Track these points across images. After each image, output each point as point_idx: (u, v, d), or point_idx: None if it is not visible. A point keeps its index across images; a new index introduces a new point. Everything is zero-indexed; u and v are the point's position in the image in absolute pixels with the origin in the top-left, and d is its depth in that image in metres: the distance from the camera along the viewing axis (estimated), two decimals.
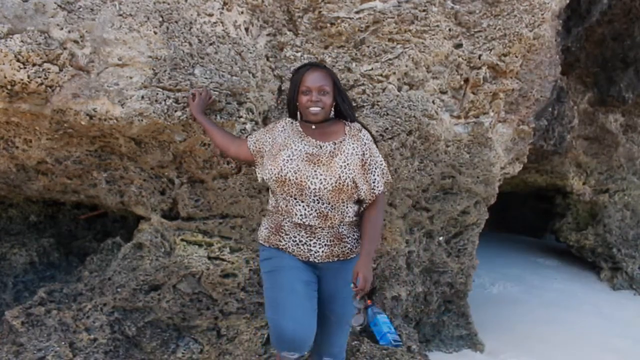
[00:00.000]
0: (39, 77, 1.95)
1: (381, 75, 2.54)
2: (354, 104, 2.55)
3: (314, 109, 1.89)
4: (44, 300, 2.57)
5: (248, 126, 2.34)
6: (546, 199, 6.25)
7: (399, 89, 2.61)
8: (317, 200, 1.88)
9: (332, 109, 1.98)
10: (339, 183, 1.84)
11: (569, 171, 5.00)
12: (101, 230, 3.47)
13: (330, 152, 1.90)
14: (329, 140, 1.94)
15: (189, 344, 2.63)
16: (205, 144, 2.35)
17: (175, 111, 2.18)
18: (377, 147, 2.03)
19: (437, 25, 2.57)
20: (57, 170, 2.52)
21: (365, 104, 2.56)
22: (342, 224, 1.94)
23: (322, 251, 1.93)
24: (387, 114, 2.58)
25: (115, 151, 2.47)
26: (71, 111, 2.09)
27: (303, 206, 1.90)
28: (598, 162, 5.05)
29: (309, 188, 1.86)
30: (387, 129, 2.59)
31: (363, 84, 2.54)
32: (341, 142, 1.93)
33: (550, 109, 3.73)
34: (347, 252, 1.97)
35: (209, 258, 2.67)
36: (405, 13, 2.50)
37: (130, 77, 2.10)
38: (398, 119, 2.60)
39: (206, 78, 2.21)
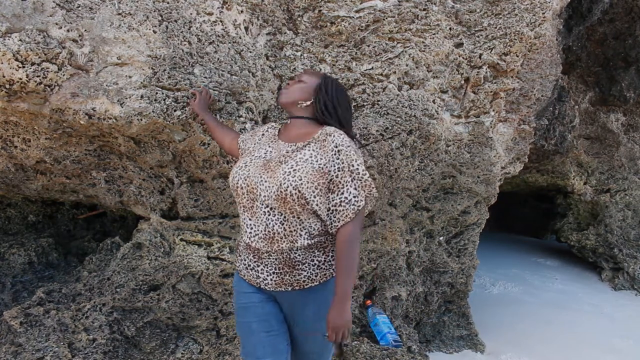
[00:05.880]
0: (38, 76, 1.94)
1: (381, 74, 2.53)
2: (354, 104, 2.54)
3: (282, 91, 1.82)
4: (43, 301, 2.56)
5: (248, 125, 2.34)
6: (547, 198, 6.26)
7: (399, 88, 2.60)
8: (268, 212, 1.64)
9: (318, 110, 1.75)
10: (280, 191, 1.59)
11: (570, 171, 5.00)
12: (100, 230, 3.47)
13: (283, 155, 1.69)
14: (296, 142, 1.73)
15: (189, 344, 2.62)
16: (204, 143, 2.34)
17: (175, 110, 2.18)
18: (357, 153, 1.68)
19: (438, 24, 2.56)
20: (55, 170, 2.51)
21: (365, 104, 2.55)
22: (294, 249, 1.64)
23: (271, 279, 1.68)
24: (388, 114, 2.57)
25: (115, 151, 2.46)
26: (70, 110, 2.08)
27: (254, 221, 1.68)
28: (599, 161, 5.05)
29: (260, 195, 1.64)
30: (387, 128, 2.59)
31: (363, 83, 2.53)
32: (304, 146, 1.69)
33: (551, 109, 3.72)
34: (303, 281, 1.66)
35: (209, 258, 2.67)
36: (405, 12, 2.49)
37: (130, 77, 2.09)
38: (398, 119, 2.59)
39: (206, 77, 2.20)
